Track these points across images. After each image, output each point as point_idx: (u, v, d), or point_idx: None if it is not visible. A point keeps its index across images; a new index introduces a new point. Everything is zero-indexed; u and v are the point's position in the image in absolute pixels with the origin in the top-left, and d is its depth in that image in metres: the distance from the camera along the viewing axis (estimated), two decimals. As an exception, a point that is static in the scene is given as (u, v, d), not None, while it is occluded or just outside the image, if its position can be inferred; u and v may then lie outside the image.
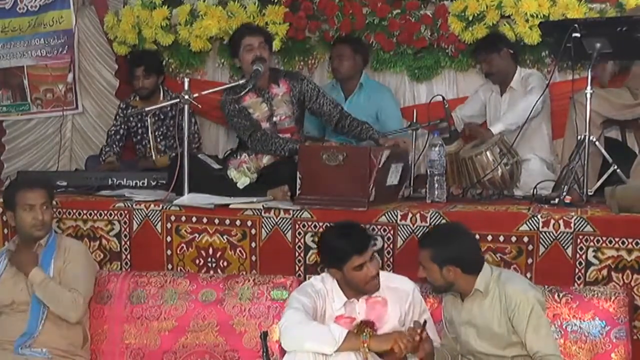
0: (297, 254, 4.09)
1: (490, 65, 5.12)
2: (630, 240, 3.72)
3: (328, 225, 3.86)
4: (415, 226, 3.95)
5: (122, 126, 5.52)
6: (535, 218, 3.82)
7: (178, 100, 4.40)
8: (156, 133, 5.47)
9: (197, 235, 4.22)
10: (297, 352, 3.23)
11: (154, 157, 5.47)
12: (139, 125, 5.50)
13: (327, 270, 3.51)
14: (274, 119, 4.66)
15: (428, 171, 4.43)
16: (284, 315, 3.34)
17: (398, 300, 3.46)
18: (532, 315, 3.23)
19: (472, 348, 3.38)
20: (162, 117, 5.42)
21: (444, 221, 3.90)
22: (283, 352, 3.60)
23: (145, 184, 4.85)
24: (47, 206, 3.84)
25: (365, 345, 3.18)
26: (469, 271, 3.34)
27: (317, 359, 3.19)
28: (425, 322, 3.32)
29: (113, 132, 5.52)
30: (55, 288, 3.71)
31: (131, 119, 5.49)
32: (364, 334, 3.24)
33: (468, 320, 3.39)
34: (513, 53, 5.12)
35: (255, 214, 4.15)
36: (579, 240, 3.78)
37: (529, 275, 3.77)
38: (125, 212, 4.32)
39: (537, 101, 4.55)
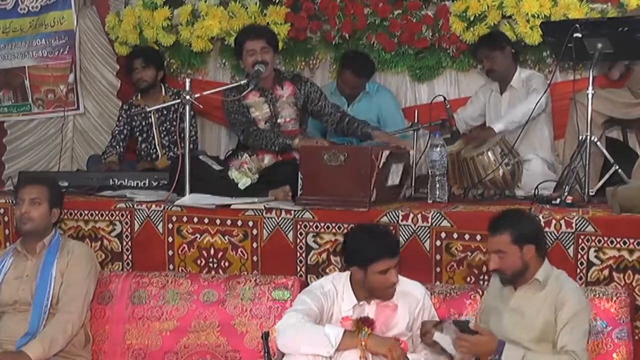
0: (298, 254, 4.10)
1: (493, 63, 5.11)
2: (631, 240, 3.72)
3: (358, 224, 3.82)
4: (416, 226, 3.95)
5: (126, 127, 5.52)
6: (537, 218, 3.81)
7: (180, 100, 4.41)
8: (160, 128, 5.48)
9: (199, 236, 4.22)
10: (295, 357, 3.24)
11: (159, 152, 5.47)
12: (143, 123, 5.50)
13: (346, 268, 3.49)
14: (279, 120, 4.67)
15: (429, 171, 4.43)
16: (282, 318, 3.35)
17: (408, 305, 3.45)
18: (575, 317, 3.23)
19: (507, 336, 3.32)
20: (165, 112, 5.42)
21: (445, 222, 3.90)
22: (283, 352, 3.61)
23: (147, 185, 4.85)
24: (38, 202, 3.87)
25: (363, 344, 3.18)
26: (540, 252, 3.35)
27: None
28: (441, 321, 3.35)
29: (117, 132, 5.51)
30: (49, 341, 3.66)
31: (135, 118, 5.50)
32: (362, 332, 3.23)
33: (516, 307, 3.36)
34: (515, 52, 5.14)
35: (257, 214, 4.15)
36: (580, 241, 3.78)
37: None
38: (127, 212, 4.32)
39: (538, 101, 4.55)
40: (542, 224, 3.63)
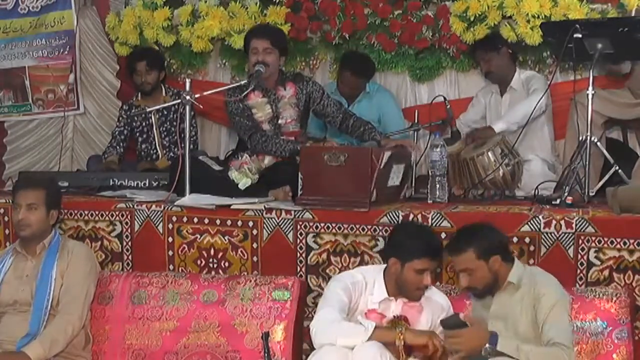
0: (298, 254, 4.09)
1: (490, 65, 5.14)
2: (631, 240, 3.72)
3: (410, 220, 3.90)
4: (416, 227, 3.94)
5: (126, 127, 5.52)
6: (537, 219, 3.82)
7: (180, 100, 4.41)
8: (160, 129, 5.48)
9: (199, 236, 4.22)
10: (324, 347, 3.26)
11: (159, 153, 5.48)
12: (144, 124, 5.51)
13: (384, 260, 3.53)
14: (280, 121, 4.66)
15: (429, 172, 4.43)
16: (317, 314, 3.39)
17: (432, 311, 3.50)
18: (555, 309, 3.25)
19: None
20: (166, 113, 5.43)
21: (445, 223, 3.90)
22: (286, 351, 3.62)
23: (147, 185, 4.85)
24: (36, 207, 3.85)
25: (402, 337, 3.22)
26: (506, 258, 3.38)
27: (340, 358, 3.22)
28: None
29: (117, 132, 5.52)
30: (49, 342, 3.66)
31: (135, 118, 5.49)
32: (400, 326, 3.30)
33: (497, 314, 3.39)
34: (512, 53, 5.15)
35: (257, 214, 4.15)
36: (580, 241, 3.77)
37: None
38: (127, 212, 4.32)
39: (538, 102, 4.55)
40: (500, 230, 3.59)
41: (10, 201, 4.35)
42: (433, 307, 3.50)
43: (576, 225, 3.78)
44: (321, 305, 3.46)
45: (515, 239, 3.82)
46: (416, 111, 5.12)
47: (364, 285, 3.48)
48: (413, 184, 4.72)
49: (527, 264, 3.76)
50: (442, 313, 3.51)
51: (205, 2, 5.70)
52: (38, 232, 3.88)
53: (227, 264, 4.20)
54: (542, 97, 4.58)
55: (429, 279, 3.41)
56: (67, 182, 4.80)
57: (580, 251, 3.78)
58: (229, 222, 4.18)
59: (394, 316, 3.41)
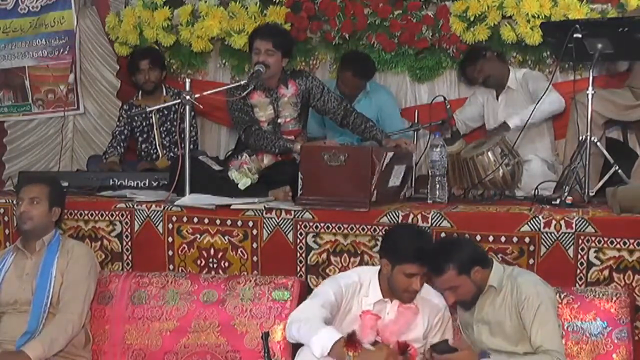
0: (298, 254, 4.09)
1: (483, 71, 5.16)
2: (631, 240, 3.72)
3: (408, 222, 3.88)
4: (416, 227, 3.94)
5: (126, 127, 5.53)
6: (537, 219, 3.82)
7: (180, 100, 4.41)
8: (161, 129, 5.49)
9: (199, 236, 4.22)
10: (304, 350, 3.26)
11: (159, 152, 5.48)
12: (144, 123, 5.51)
13: (379, 259, 3.53)
14: (279, 120, 4.65)
15: (429, 172, 4.44)
16: (299, 307, 3.39)
17: (429, 312, 3.49)
18: (540, 310, 3.26)
19: (484, 346, 3.38)
20: (166, 113, 5.44)
21: (445, 223, 3.90)
22: (286, 351, 3.62)
23: (147, 185, 4.86)
24: (37, 201, 3.89)
25: None
26: (485, 265, 3.39)
27: None
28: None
29: (117, 132, 5.52)
30: (49, 341, 3.65)
31: (135, 118, 5.49)
32: (348, 356, 3.08)
33: (481, 317, 3.40)
34: (498, 54, 5.16)
35: (257, 214, 4.15)
36: (580, 241, 3.77)
37: (530, 275, 3.77)
38: (127, 212, 4.32)
39: (539, 101, 4.56)
40: (472, 240, 3.67)
41: (10, 201, 4.37)
42: (431, 309, 3.50)
43: (576, 225, 3.78)
44: (309, 297, 3.46)
45: (515, 239, 3.82)
46: (416, 111, 5.12)
47: (358, 287, 3.47)
48: (413, 184, 4.72)
49: (527, 264, 3.78)
50: (438, 313, 3.50)
51: (205, 2, 5.70)
52: (39, 227, 3.89)
53: (227, 264, 4.20)
54: (542, 94, 4.59)
55: (417, 284, 3.38)
56: (67, 182, 4.79)
57: (580, 251, 3.77)
58: (229, 222, 4.18)
59: (348, 335, 3.14)
